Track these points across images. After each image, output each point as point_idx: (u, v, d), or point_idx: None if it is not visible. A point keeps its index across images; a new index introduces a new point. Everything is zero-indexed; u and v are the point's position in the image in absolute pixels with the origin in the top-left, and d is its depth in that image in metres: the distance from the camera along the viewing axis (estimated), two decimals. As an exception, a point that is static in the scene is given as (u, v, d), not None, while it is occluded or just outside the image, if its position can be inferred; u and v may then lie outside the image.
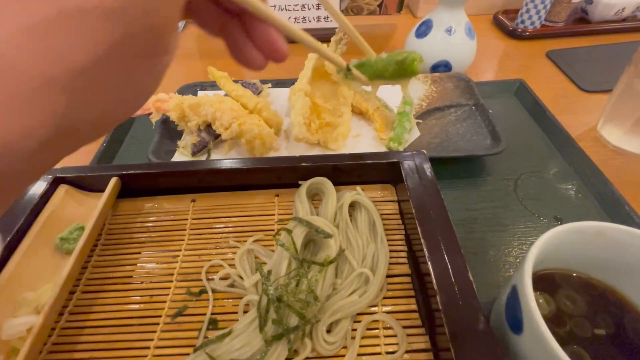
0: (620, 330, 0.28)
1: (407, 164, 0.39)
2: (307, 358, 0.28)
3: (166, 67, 0.16)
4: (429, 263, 0.30)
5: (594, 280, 0.31)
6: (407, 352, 0.29)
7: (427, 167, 0.38)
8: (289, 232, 0.32)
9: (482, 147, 0.48)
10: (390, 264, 0.35)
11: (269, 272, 0.30)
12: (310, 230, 0.33)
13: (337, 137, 0.48)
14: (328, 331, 0.30)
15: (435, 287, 0.28)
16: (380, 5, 0.80)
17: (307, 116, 0.47)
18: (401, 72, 0.26)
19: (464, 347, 0.25)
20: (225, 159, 0.46)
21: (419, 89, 0.58)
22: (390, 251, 0.36)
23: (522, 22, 0.78)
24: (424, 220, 0.33)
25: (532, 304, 0.24)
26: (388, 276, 0.34)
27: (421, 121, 0.52)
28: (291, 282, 0.29)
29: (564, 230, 0.28)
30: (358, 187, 0.39)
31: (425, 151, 0.40)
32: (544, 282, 0.31)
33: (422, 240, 0.31)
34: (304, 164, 0.40)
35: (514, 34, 0.78)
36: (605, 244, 0.28)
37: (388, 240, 0.36)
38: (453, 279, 0.29)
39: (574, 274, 0.31)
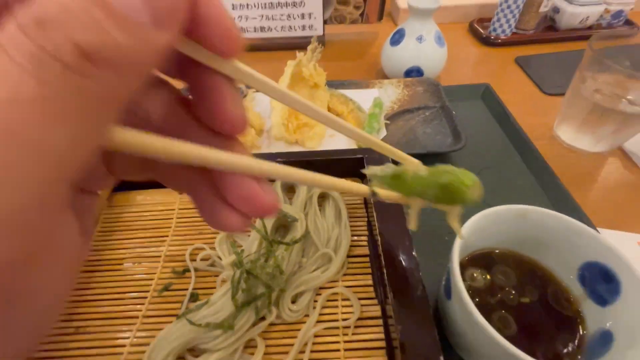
0: (543, 298, 0.33)
1: (371, 161, 0.44)
2: (273, 324, 0.33)
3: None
4: (380, 245, 0.34)
5: (524, 257, 0.35)
6: (360, 319, 0.34)
7: (388, 163, 0.43)
8: (261, 217, 0.37)
9: (444, 145, 0.53)
10: (352, 246, 0.39)
11: (242, 250, 0.35)
12: (280, 216, 0.38)
13: (313, 136, 0.53)
14: (293, 302, 0.34)
15: (383, 262, 0.33)
16: (362, 15, 0.86)
17: (286, 117, 0.52)
18: (448, 198, 0.21)
19: (403, 311, 0.30)
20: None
21: (392, 92, 0.63)
22: (353, 235, 0.40)
23: (495, 30, 0.83)
24: (380, 209, 0.38)
25: (455, 271, 0.28)
26: (349, 256, 0.39)
27: (389, 122, 0.57)
28: (260, 258, 0.34)
29: (491, 213, 0.32)
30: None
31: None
32: (483, 259, 0.36)
33: (377, 225, 0.36)
34: (279, 159, 0.45)
35: (487, 41, 0.84)
36: (529, 224, 0.33)
37: (352, 226, 0.41)
38: (400, 258, 0.34)
39: (508, 252, 0.36)
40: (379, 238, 0.35)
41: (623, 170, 0.54)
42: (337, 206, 0.42)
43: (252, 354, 0.31)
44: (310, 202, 0.42)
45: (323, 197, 0.44)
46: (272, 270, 0.33)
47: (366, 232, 0.41)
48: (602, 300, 0.30)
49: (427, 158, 0.58)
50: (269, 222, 0.37)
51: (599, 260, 0.30)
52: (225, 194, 0.15)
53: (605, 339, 0.28)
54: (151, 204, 0.45)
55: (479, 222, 0.32)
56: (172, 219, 0.43)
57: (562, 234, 0.32)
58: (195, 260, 0.39)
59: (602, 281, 0.30)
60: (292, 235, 0.37)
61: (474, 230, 0.32)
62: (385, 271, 0.33)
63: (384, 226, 0.36)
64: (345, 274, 0.37)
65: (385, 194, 0.22)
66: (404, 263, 0.33)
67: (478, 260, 0.36)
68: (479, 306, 0.26)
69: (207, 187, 0.15)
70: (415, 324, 0.29)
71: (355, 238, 0.40)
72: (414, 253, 0.34)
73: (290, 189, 0.45)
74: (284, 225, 0.40)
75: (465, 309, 0.27)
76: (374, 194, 0.22)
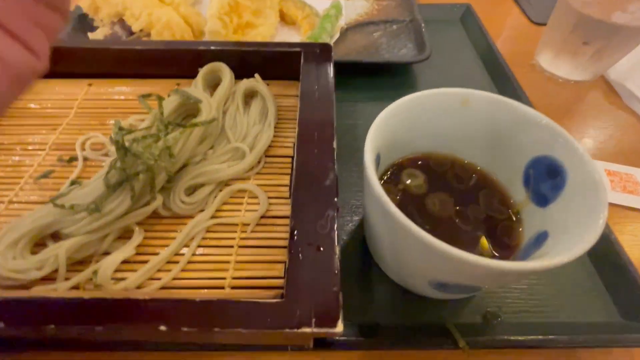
0: (480, 207, 0.28)
1: (310, 55, 0.37)
2: (160, 216, 0.28)
3: None
4: (296, 143, 0.28)
5: (464, 163, 0.30)
6: (266, 217, 0.29)
7: (329, 60, 0.36)
8: (160, 97, 0.30)
9: (406, 57, 0.46)
10: (275, 146, 0.34)
11: (126, 128, 0.28)
12: (184, 99, 0.31)
13: (256, 37, 0.45)
14: (190, 195, 0.29)
15: (295, 152, 0.27)
16: None
17: (225, 12, 0.45)
18: None
19: (304, 202, 0.25)
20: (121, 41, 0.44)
21: (361, 5, 0.55)
22: (279, 136, 0.35)
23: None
24: (307, 109, 0.31)
25: (368, 165, 0.22)
26: (270, 156, 0.33)
27: (346, 26, 0.49)
28: (148, 137, 0.28)
29: (427, 96, 0.26)
30: (257, 75, 0.37)
31: (332, 45, 0.38)
32: (419, 165, 0.30)
33: (297, 126, 0.30)
34: (202, 47, 0.38)
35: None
36: (472, 116, 0.27)
37: (281, 127, 0.35)
38: (315, 148, 0.28)
39: (447, 157, 0.30)
40: (298, 127, 0.30)
41: (603, 101, 0.48)
42: (264, 105, 0.36)
43: (127, 244, 0.26)
44: (233, 98, 0.36)
45: (252, 96, 0.37)
46: (159, 151, 0.27)
47: (294, 134, 0.35)
48: (544, 199, 0.24)
49: (385, 70, 0.52)
50: (169, 104, 0.31)
51: (547, 153, 0.25)
52: None
53: (539, 239, 0.23)
54: (51, 93, 0.38)
55: (412, 105, 0.26)
56: (72, 109, 0.37)
57: (511, 125, 0.26)
58: (86, 149, 0.33)
59: (546, 177, 0.24)
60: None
61: (402, 118, 0.26)
62: (294, 157, 0.27)
63: (305, 117, 0.30)
64: (260, 173, 0.32)
65: None
66: (317, 152, 0.27)
67: (413, 165, 0.30)
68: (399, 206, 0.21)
69: None
70: (313, 214, 0.24)
71: (281, 139, 0.35)
72: (334, 144, 0.28)
73: (214, 85, 0.39)
74: (191, 114, 0.33)
75: (373, 191, 0.21)
76: None
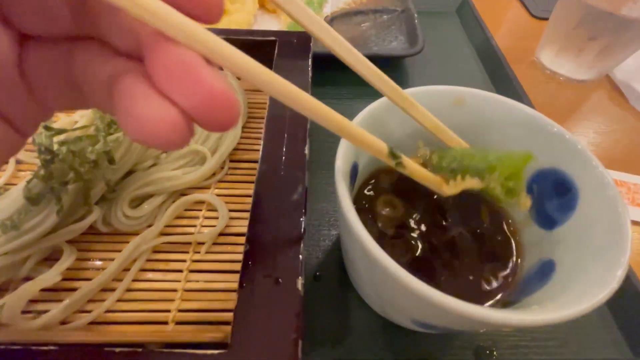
0: (472, 226, 0.24)
1: (285, 45, 0.33)
2: (98, 233, 0.24)
3: None
4: (262, 147, 0.24)
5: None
6: (224, 234, 0.24)
7: (307, 52, 0.32)
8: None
9: (397, 51, 0.42)
10: (242, 149, 0.29)
11: (57, 129, 0.24)
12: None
13: (229, 25, 0.41)
14: (136, 207, 0.25)
15: (261, 155, 0.23)
16: None
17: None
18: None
19: (263, 221, 0.20)
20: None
21: (349, -7, 0.51)
22: (249, 138, 0.30)
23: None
24: (277, 107, 0.27)
25: (338, 180, 0.18)
26: (235, 161, 0.29)
27: (331, 15, 0.45)
28: (83, 139, 0.23)
29: (419, 92, 0.22)
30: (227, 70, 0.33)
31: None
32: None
33: (265, 128, 0.26)
34: (163, 34, 0.33)
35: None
36: (467, 116, 0.23)
37: (250, 128, 0.31)
38: (284, 154, 0.24)
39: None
40: (264, 129, 0.25)
41: (608, 103, 0.44)
42: (234, 101, 0.32)
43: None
44: (197, 92, 0.31)
45: (220, 91, 0.33)
46: (96, 156, 0.23)
47: (267, 136, 0.31)
48: (550, 221, 0.21)
49: (375, 63, 0.46)
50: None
51: (556, 165, 0.21)
52: (151, 67, 0.10)
53: (544, 270, 0.19)
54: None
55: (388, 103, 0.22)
56: (12, 102, 0.32)
57: (512, 129, 0.22)
58: (31, 151, 0.28)
59: (554, 195, 0.21)
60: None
61: (385, 120, 0.22)
62: (259, 168, 0.23)
63: (274, 116, 0.26)
64: (222, 181, 0.28)
65: (415, 168, 0.18)
66: (285, 160, 0.23)
67: (395, 174, 0.26)
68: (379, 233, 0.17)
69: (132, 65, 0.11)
70: (273, 237, 0.20)
71: (250, 141, 0.30)
72: (305, 150, 0.24)
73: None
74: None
75: (343, 211, 0.17)
76: (396, 160, 0.17)
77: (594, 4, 0.38)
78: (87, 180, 0.22)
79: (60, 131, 0.23)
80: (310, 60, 0.31)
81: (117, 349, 0.16)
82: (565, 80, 0.46)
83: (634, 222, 0.32)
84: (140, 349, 0.16)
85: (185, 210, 0.26)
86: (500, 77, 0.45)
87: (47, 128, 0.23)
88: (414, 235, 0.23)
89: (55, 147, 0.22)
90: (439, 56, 0.47)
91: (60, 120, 0.29)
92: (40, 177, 0.21)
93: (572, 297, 0.15)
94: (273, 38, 0.33)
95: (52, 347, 0.16)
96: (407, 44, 0.44)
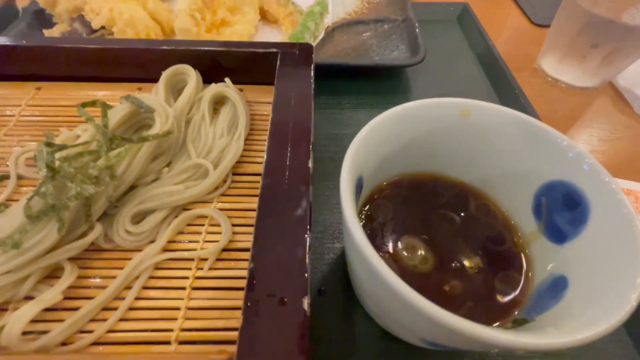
0: (479, 240, 0.24)
1: (287, 56, 0.33)
2: (101, 250, 0.23)
3: None
4: (264, 161, 0.24)
5: (464, 185, 0.26)
6: (228, 250, 0.24)
7: (308, 63, 0.32)
8: (105, 105, 0.26)
9: (398, 60, 0.42)
10: (245, 162, 0.29)
11: (59, 144, 0.24)
12: (135, 107, 0.27)
13: (231, 36, 0.41)
14: (138, 223, 0.24)
15: (263, 169, 0.23)
16: None
17: (197, 7, 0.40)
18: None
19: (268, 236, 0.20)
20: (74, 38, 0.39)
21: (350, 2, 0.51)
22: (251, 151, 0.30)
23: (487, -47, 0.70)
24: (280, 119, 0.27)
25: (345, 196, 0.18)
26: (238, 174, 0.28)
27: (332, 25, 0.45)
28: (84, 155, 0.23)
29: (420, 106, 0.22)
30: (227, 79, 0.33)
31: (313, 44, 0.34)
32: (408, 188, 0.26)
33: (268, 140, 0.25)
34: (166, 47, 0.33)
35: (476, -33, 0.70)
36: (472, 130, 0.23)
37: (253, 140, 0.31)
38: (287, 168, 0.23)
39: (440, 177, 0.26)
40: (267, 142, 0.25)
41: (612, 110, 0.44)
42: (235, 114, 0.31)
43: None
44: (198, 106, 0.31)
45: (222, 103, 0.33)
46: (98, 172, 0.22)
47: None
48: (560, 235, 0.20)
49: (376, 74, 0.47)
50: (117, 113, 0.26)
51: (565, 177, 0.20)
52: None
53: (556, 286, 0.19)
54: (-9, 97, 0.33)
55: (404, 117, 0.22)
56: (13, 116, 0.32)
57: (519, 142, 0.22)
58: (32, 166, 0.28)
59: (564, 208, 0.20)
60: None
61: (391, 133, 0.22)
62: (261, 182, 0.22)
63: (277, 129, 0.26)
64: (225, 194, 0.27)
65: None
66: (289, 174, 0.23)
67: (401, 188, 0.26)
68: (386, 248, 0.16)
69: None
70: (276, 255, 0.19)
71: (253, 153, 0.30)
72: (309, 163, 0.24)
73: (180, 90, 0.34)
74: (146, 124, 0.29)
75: (348, 228, 0.17)
76: None
77: (597, 12, 0.38)
78: (89, 197, 0.22)
79: (62, 147, 0.23)
80: (312, 71, 0.31)
81: (119, 374, 0.15)
82: (567, 88, 0.46)
83: (643, 232, 0.32)
84: (142, 374, 0.15)
85: (188, 225, 0.25)
86: (502, 84, 0.44)
87: (49, 144, 0.22)
88: (422, 250, 0.22)
89: (57, 163, 0.22)
90: (441, 64, 0.47)
91: (62, 134, 0.28)
92: (41, 195, 0.21)
93: (587, 319, 0.14)
94: (275, 50, 0.33)
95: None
96: (408, 53, 0.44)
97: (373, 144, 0.21)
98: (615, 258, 0.16)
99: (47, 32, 0.42)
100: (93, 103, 0.26)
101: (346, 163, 0.19)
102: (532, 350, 0.13)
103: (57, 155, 0.22)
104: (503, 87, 0.44)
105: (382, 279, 0.15)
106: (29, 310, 0.19)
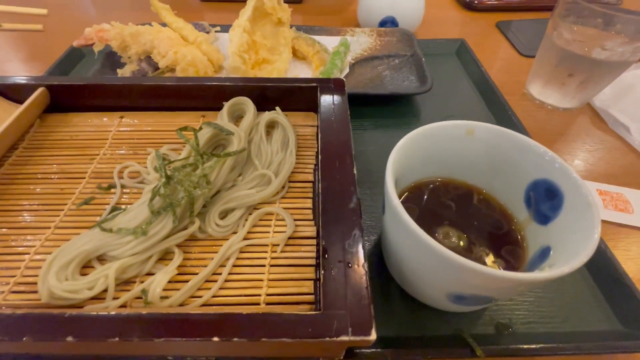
0: (486, 228, 0.31)
1: (325, 89, 0.41)
2: (197, 239, 0.30)
3: None
4: (320, 170, 0.31)
5: (471, 186, 0.33)
6: (293, 238, 0.31)
7: (342, 94, 0.40)
8: (195, 130, 0.34)
9: (410, 89, 0.51)
10: (296, 172, 0.37)
11: (170, 161, 0.31)
12: (216, 131, 0.35)
13: (272, 72, 0.50)
14: (223, 218, 0.32)
15: (319, 176, 0.31)
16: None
17: (244, 49, 0.49)
18: None
19: (331, 224, 0.27)
20: (152, 77, 0.48)
21: (364, 41, 0.61)
22: (299, 162, 0.38)
23: (478, -6, 0.81)
24: (327, 139, 0.34)
25: (389, 188, 0.26)
26: (293, 181, 0.36)
27: (353, 61, 0.54)
28: (187, 167, 0.31)
29: (436, 128, 0.30)
30: (277, 108, 0.41)
31: (345, 80, 0.42)
32: (428, 190, 0.34)
33: (320, 154, 0.33)
34: (228, 83, 0.41)
35: (469, 6, 0.81)
36: (477, 144, 0.31)
37: (300, 155, 0.39)
38: (337, 174, 0.31)
39: (452, 182, 0.34)
40: (320, 155, 0.33)
41: (590, 126, 0.52)
42: (285, 134, 0.39)
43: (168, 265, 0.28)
44: (257, 129, 0.39)
45: (272, 126, 0.41)
46: (197, 179, 0.30)
47: (313, 161, 0.39)
48: (545, 218, 0.28)
49: (390, 100, 0.56)
50: (203, 135, 0.34)
51: (545, 176, 0.28)
52: None
53: (544, 253, 0.26)
54: (86, 125, 0.41)
55: (424, 135, 0.30)
56: (107, 139, 0.40)
57: (511, 152, 0.30)
58: (123, 177, 0.36)
59: (546, 199, 0.28)
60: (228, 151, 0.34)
61: (415, 147, 0.30)
62: (320, 185, 0.30)
63: (326, 146, 0.34)
64: (284, 197, 0.35)
65: None
66: (339, 178, 0.31)
67: (422, 189, 0.33)
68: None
69: None
70: (340, 235, 0.26)
71: (302, 165, 0.38)
72: (354, 171, 0.31)
73: (237, 117, 0.42)
74: (222, 144, 0.37)
75: (393, 210, 0.24)
76: None
77: (569, 49, 0.47)
78: (193, 198, 0.29)
79: (170, 161, 0.31)
80: (346, 100, 0.39)
81: (244, 312, 0.22)
82: (552, 109, 0.54)
83: (618, 224, 0.39)
84: (260, 313, 0.22)
85: (260, 220, 0.32)
86: (497, 107, 0.53)
87: (163, 159, 0.30)
88: (446, 229, 0.30)
89: (169, 172, 0.30)
90: (444, 91, 0.56)
91: (162, 149, 0.36)
92: (161, 196, 0.29)
93: (564, 264, 0.21)
94: (315, 84, 0.41)
95: (199, 312, 0.22)
96: (417, 82, 0.52)
97: (404, 154, 0.29)
98: (580, 225, 0.23)
99: (120, 72, 0.51)
100: (185, 128, 0.34)
101: (389, 165, 0.26)
102: (534, 281, 0.20)
103: (170, 166, 0.30)
104: (498, 109, 0.53)
105: (424, 242, 0.22)
106: (162, 278, 0.26)
